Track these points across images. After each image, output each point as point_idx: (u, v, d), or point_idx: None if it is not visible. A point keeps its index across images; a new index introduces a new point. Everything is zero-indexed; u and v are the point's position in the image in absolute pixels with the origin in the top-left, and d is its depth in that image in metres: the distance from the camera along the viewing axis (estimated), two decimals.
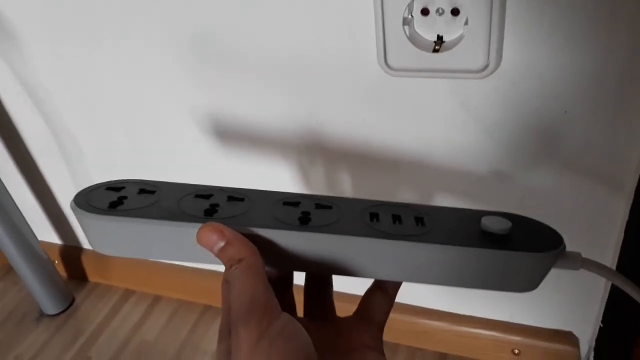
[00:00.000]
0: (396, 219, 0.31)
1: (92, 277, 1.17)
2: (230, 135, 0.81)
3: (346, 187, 0.79)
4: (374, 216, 0.31)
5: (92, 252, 1.15)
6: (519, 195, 0.70)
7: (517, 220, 0.31)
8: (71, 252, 1.16)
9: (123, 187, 0.33)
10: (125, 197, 0.31)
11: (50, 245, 1.17)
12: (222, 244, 0.27)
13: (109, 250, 0.32)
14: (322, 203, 0.32)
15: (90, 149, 0.94)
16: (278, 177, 0.82)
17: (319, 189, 0.81)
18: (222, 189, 0.33)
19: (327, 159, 0.77)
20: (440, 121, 0.67)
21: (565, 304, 0.83)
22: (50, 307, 1.10)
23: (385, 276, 0.31)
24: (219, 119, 0.79)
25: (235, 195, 0.32)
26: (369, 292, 0.34)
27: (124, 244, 0.31)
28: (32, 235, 1.04)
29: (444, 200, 0.74)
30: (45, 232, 1.15)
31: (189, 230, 0.28)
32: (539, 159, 0.66)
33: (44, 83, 0.87)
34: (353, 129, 0.72)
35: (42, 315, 1.11)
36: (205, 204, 0.31)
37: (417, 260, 0.29)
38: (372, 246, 0.29)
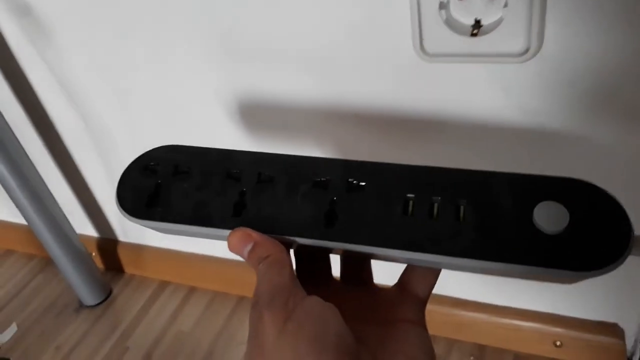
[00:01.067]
0: (432, 210, 0.28)
1: (128, 269, 1.19)
2: (264, 125, 0.80)
3: None
4: (407, 204, 0.29)
5: (128, 245, 1.17)
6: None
7: (576, 195, 0.27)
8: (107, 245, 1.18)
9: (158, 165, 0.33)
10: (160, 185, 0.32)
11: (87, 238, 1.19)
12: (250, 246, 0.29)
13: (157, 230, 0.34)
14: (353, 181, 0.30)
15: (124, 141, 0.95)
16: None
17: None
18: (252, 162, 0.32)
19: (357, 143, 0.76)
20: (480, 108, 0.65)
21: (611, 294, 0.80)
22: (89, 298, 1.12)
23: (424, 265, 0.30)
24: (252, 108, 0.79)
25: (265, 173, 0.31)
26: (411, 265, 0.33)
27: (168, 232, 0.33)
28: (71, 228, 1.06)
29: None
30: (83, 225, 1.17)
31: (220, 232, 0.30)
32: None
33: (79, 77, 0.88)
34: (387, 117, 0.70)
35: (81, 306, 1.13)
36: (234, 194, 0.31)
37: (452, 266, 0.28)
38: (399, 255, 0.28)
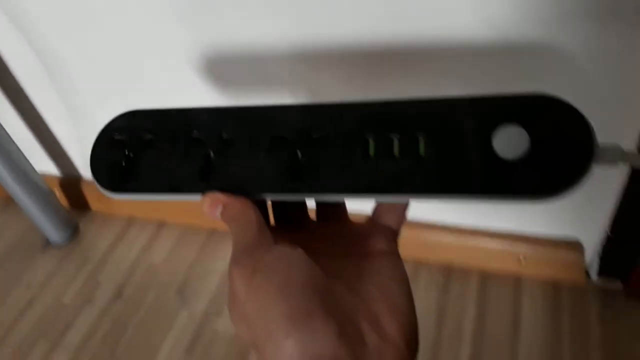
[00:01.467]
0: (392, 147, 0.28)
1: (94, 206, 1.17)
2: (235, 78, 0.77)
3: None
4: (368, 146, 0.29)
5: (92, 182, 1.14)
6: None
7: (538, 116, 0.26)
8: (71, 182, 1.15)
9: (124, 141, 0.35)
10: (130, 158, 0.34)
11: (50, 176, 1.15)
12: (220, 208, 0.31)
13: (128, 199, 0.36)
14: (312, 130, 0.30)
15: (80, 75, 0.91)
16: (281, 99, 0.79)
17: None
18: (212, 120, 0.33)
19: (333, 73, 0.74)
20: (451, 28, 0.64)
21: (573, 212, 0.83)
22: (55, 236, 1.11)
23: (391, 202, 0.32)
24: (217, 51, 0.75)
25: (226, 133, 0.32)
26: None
27: (142, 199, 0.35)
28: (30, 166, 1.03)
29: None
30: (43, 164, 1.13)
31: (192, 197, 0.33)
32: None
33: (29, 8, 0.82)
34: (356, 52, 0.69)
35: (48, 244, 1.12)
36: (200, 158, 0.32)
37: (417, 200, 0.29)
38: (365, 198, 0.29)
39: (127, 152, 0.34)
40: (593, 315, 0.85)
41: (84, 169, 1.13)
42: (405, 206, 0.33)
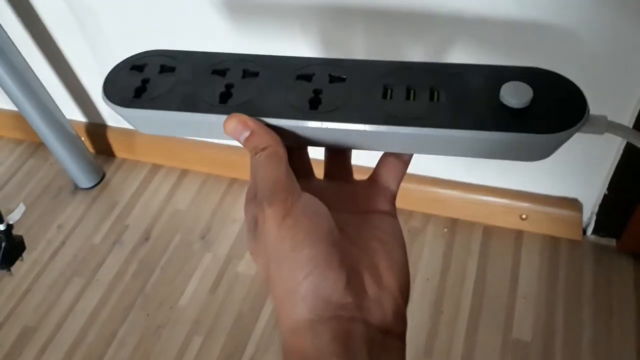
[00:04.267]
0: (409, 93, 0.31)
1: (119, 153, 1.22)
2: (254, 21, 0.81)
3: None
4: (386, 90, 0.31)
5: (118, 129, 1.19)
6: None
7: (540, 80, 0.30)
8: (97, 129, 1.21)
9: (145, 65, 0.34)
10: (148, 81, 0.33)
11: (76, 123, 1.20)
12: (247, 134, 0.30)
13: (144, 130, 0.35)
14: (335, 74, 0.32)
15: (108, 23, 0.94)
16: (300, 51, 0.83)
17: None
18: (237, 60, 0.34)
19: (350, 24, 0.78)
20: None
21: (574, 172, 0.89)
22: (83, 180, 1.17)
23: (398, 151, 0.34)
24: (246, 3, 0.79)
25: (250, 69, 0.33)
26: (384, 157, 0.36)
27: (155, 126, 0.35)
28: (60, 112, 1.08)
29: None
30: (70, 111, 1.18)
31: (208, 118, 0.31)
32: None
33: None
34: (380, 9, 0.72)
35: (76, 188, 1.18)
36: (221, 85, 0.32)
37: (427, 140, 0.31)
38: (380, 132, 0.30)
39: (145, 77, 0.34)
40: (587, 269, 0.92)
41: (111, 118, 1.18)
42: (403, 168, 0.35)
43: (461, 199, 0.98)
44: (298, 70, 0.33)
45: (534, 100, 0.29)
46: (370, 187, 0.35)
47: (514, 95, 0.29)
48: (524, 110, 0.29)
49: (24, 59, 0.97)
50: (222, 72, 0.33)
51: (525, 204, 0.94)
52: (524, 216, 0.95)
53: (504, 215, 0.96)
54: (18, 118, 1.07)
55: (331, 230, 0.29)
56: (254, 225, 0.30)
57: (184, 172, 1.17)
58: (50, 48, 1.05)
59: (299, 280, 0.27)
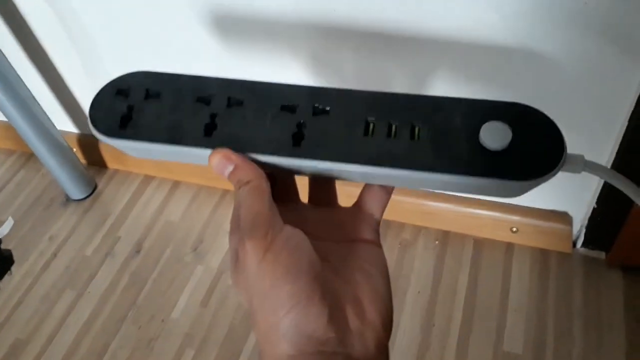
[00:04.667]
0: (390, 130, 0.32)
1: (111, 164, 1.22)
2: (242, 40, 0.81)
3: (362, 74, 0.81)
4: (368, 126, 0.32)
5: None
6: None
7: (520, 117, 0.31)
8: (88, 140, 1.20)
9: (130, 90, 0.34)
10: (133, 107, 0.33)
11: (68, 134, 1.20)
12: (231, 168, 0.31)
13: (133, 154, 0.36)
14: (319, 106, 0.33)
15: (99, 36, 0.95)
16: (289, 70, 0.83)
17: (333, 80, 0.84)
18: (222, 87, 0.34)
19: (340, 46, 0.78)
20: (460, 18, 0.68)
21: (563, 186, 0.90)
22: (75, 192, 1.17)
23: (380, 184, 0.35)
24: (227, 12, 0.79)
25: (235, 97, 0.33)
26: (368, 185, 0.36)
27: (142, 153, 0.35)
28: (51, 123, 1.07)
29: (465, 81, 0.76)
30: (62, 122, 1.17)
31: (193, 152, 0.32)
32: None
33: None
34: (371, 15, 0.73)
35: (68, 199, 1.18)
36: (206, 116, 0.33)
37: (407, 179, 0.31)
38: (360, 170, 0.31)
39: (130, 104, 0.33)
40: (577, 282, 0.93)
41: None
42: (387, 196, 0.36)
43: (452, 212, 0.98)
44: (282, 100, 0.33)
45: (512, 142, 0.30)
46: (355, 215, 0.35)
47: (493, 138, 0.30)
48: (502, 152, 0.30)
49: (14, 69, 0.97)
50: (207, 100, 0.33)
51: (515, 217, 0.95)
52: (514, 229, 0.96)
53: (495, 228, 0.97)
54: (9, 128, 1.07)
55: (312, 264, 0.29)
56: (236, 258, 0.30)
57: (176, 184, 1.17)
58: (42, 60, 1.05)
59: (280, 317, 0.28)
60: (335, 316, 0.28)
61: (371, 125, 0.32)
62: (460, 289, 0.94)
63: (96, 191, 1.19)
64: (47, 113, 1.06)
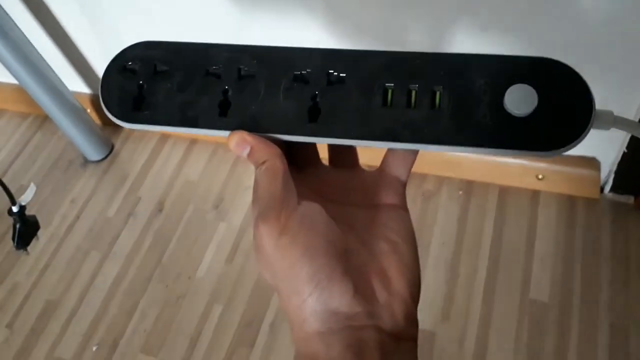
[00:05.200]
0: (410, 99, 0.30)
1: None
2: None
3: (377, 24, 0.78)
4: (386, 94, 0.30)
5: None
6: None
7: (547, 75, 0.29)
8: None
9: (138, 65, 0.33)
10: (143, 86, 0.33)
11: (80, 94, 1.18)
12: (248, 149, 0.31)
13: (149, 130, 0.35)
14: (334, 74, 0.31)
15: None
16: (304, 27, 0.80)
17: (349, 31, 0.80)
18: (230, 57, 0.32)
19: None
20: None
21: (593, 132, 0.86)
22: (92, 153, 1.16)
23: (405, 150, 0.33)
24: None
25: (245, 72, 0.32)
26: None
27: (155, 130, 0.35)
28: (63, 84, 1.06)
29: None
30: (74, 83, 1.15)
31: (210, 132, 0.32)
32: None
33: None
34: None
35: (86, 161, 1.18)
36: (219, 93, 0.32)
37: (430, 149, 0.30)
38: (380, 145, 0.30)
39: (140, 82, 0.33)
40: (604, 227, 0.91)
41: None
42: (413, 157, 0.34)
43: (476, 161, 0.96)
44: (295, 68, 0.31)
45: (538, 106, 0.28)
46: (380, 178, 0.34)
47: (518, 103, 0.28)
48: (528, 119, 0.28)
49: (22, 33, 0.94)
50: (217, 74, 0.32)
51: (541, 164, 0.92)
52: (540, 176, 0.93)
53: (520, 175, 0.95)
54: (21, 91, 1.06)
55: (330, 240, 0.29)
56: (254, 237, 0.30)
57: (193, 142, 1.15)
58: (50, 22, 1.02)
59: (304, 298, 0.28)
60: (361, 290, 0.28)
61: (389, 93, 0.30)
62: (485, 238, 0.93)
63: (113, 151, 1.18)
64: (59, 75, 1.04)
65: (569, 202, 0.94)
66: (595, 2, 0.65)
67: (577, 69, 0.29)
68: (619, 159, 0.87)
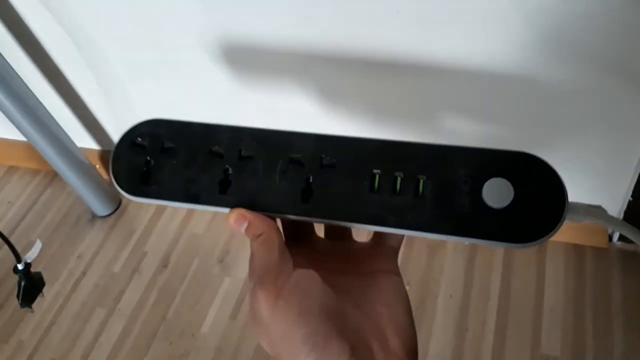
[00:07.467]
0: (396, 185, 0.32)
1: None
2: (248, 67, 0.80)
3: (366, 99, 0.79)
4: (374, 180, 0.32)
5: None
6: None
7: (524, 169, 0.31)
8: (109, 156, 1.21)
9: (147, 142, 0.36)
10: (150, 162, 0.35)
11: (89, 151, 1.21)
12: (246, 225, 0.33)
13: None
14: (326, 158, 0.33)
15: (112, 54, 0.94)
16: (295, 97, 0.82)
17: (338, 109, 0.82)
18: (233, 137, 0.35)
19: (344, 71, 0.76)
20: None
21: (596, 179, 0.86)
22: (100, 208, 1.17)
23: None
24: (236, 51, 0.78)
25: (245, 153, 0.34)
26: None
27: (159, 204, 0.37)
28: (71, 141, 1.08)
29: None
30: (83, 139, 1.18)
31: (210, 209, 0.34)
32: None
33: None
34: (376, 44, 0.71)
35: (94, 217, 1.19)
36: (219, 171, 0.34)
37: (411, 233, 0.32)
38: (368, 228, 0.32)
39: (148, 158, 0.35)
40: (615, 277, 0.89)
41: None
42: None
43: None
44: (290, 152, 0.34)
45: (514, 200, 0.30)
46: (373, 248, 0.36)
47: (495, 197, 0.30)
48: (504, 211, 0.30)
49: (30, 90, 0.97)
50: (219, 154, 0.35)
51: None
52: None
53: None
54: (32, 149, 1.08)
55: (324, 304, 0.30)
56: (251, 305, 0.31)
57: None
58: (58, 79, 1.06)
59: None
60: (359, 351, 0.29)
61: (377, 179, 0.32)
62: (493, 291, 0.91)
63: (121, 207, 1.19)
64: (68, 132, 1.07)
65: (577, 252, 0.92)
66: None
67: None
68: (625, 207, 0.85)
